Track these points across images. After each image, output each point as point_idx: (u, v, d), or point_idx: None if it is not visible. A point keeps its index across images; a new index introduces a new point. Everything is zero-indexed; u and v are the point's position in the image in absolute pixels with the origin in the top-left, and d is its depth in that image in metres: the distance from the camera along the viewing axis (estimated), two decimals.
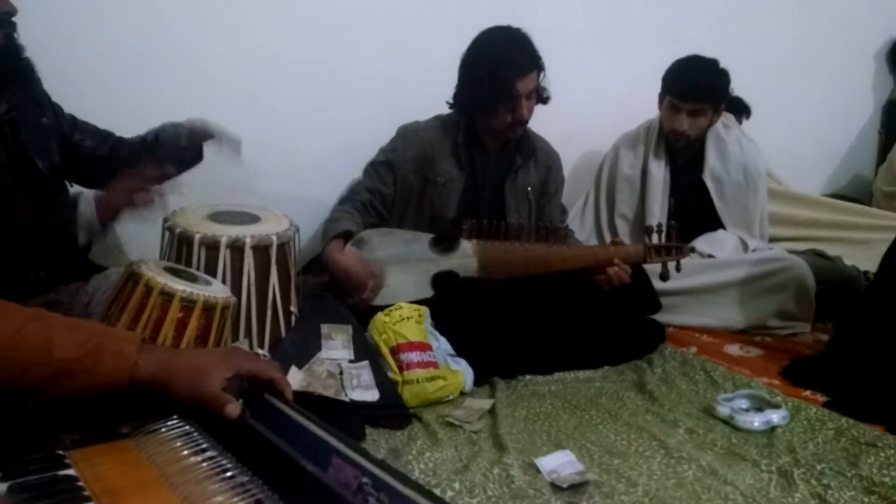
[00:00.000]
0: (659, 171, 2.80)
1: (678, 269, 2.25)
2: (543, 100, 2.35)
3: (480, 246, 2.21)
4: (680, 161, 2.82)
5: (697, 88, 2.62)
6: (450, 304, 2.12)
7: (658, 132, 2.82)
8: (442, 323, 2.09)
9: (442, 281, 2.20)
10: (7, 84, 1.71)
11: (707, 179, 2.79)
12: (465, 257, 2.21)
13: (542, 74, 2.29)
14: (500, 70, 2.20)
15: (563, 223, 2.57)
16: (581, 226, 2.94)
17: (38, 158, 1.76)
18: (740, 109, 2.95)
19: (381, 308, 2.04)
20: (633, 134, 2.92)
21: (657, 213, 2.77)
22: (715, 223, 2.81)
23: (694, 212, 2.78)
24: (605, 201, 2.94)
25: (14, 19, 1.67)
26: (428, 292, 2.18)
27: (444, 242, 2.23)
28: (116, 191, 1.66)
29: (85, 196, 1.67)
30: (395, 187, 2.34)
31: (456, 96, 2.35)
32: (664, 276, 2.24)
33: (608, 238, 2.87)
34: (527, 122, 2.30)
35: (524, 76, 2.20)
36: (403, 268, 2.20)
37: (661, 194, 2.79)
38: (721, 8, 3.32)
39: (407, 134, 2.36)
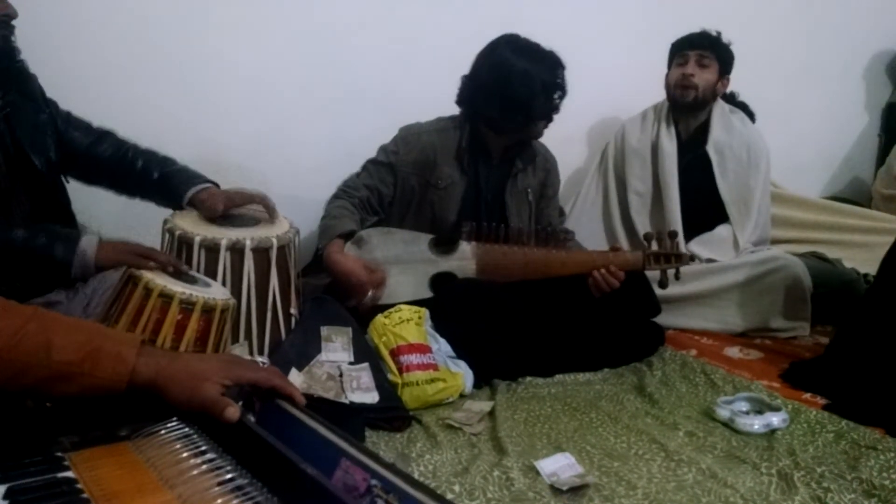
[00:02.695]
0: (671, 145, 2.82)
1: (677, 276, 2.25)
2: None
3: (479, 248, 2.22)
4: (685, 135, 2.84)
5: (703, 36, 2.74)
6: (450, 305, 2.12)
7: (667, 108, 2.85)
8: (442, 324, 2.09)
9: (440, 282, 2.20)
10: (2, 84, 1.72)
11: (710, 151, 2.80)
12: (464, 259, 2.21)
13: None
14: (516, 107, 2.23)
15: (562, 223, 2.58)
16: (574, 209, 2.97)
17: (34, 155, 1.77)
18: (745, 115, 2.96)
19: (381, 309, 2.04)
20: (640, 114, 2.95)
21: (673, 185, 2.78)
22: (716, 201, 2.79)
23: (696, 188, 2.79)
24: (613, 179, 2.95)
25: (13, 23, 1.68)
26: (426, 293, 2.18)
27: (444, 244, 2.23)
28: (123, 253, 1.65)
29: (89, 237, 1.68)
30: (395, 188, 2.33)
31: (464, 101, 2.35)
32: (663, 284, 2.24)
33: (616, 216, 2.90)
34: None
35: (538, 122, 2.28)
36: (402, 268, 2.20)
37: (674, 168, 2.81)
38: (721, 12, 3.32)
39: (409, 136, 2.35)
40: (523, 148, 2.40)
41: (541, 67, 2.23)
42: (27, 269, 1.64)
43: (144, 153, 1.98)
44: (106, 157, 1.94)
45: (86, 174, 1.97)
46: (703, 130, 2.82)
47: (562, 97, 2.29)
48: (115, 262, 1.65)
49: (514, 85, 2.20)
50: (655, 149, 2.85)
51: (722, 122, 2.82)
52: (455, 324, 2.09)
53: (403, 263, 2.20)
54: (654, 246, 2.24)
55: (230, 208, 1.94)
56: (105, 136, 1.97)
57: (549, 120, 2.31)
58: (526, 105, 2.22)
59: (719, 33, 2.75)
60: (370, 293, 2.11)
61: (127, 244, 1.69)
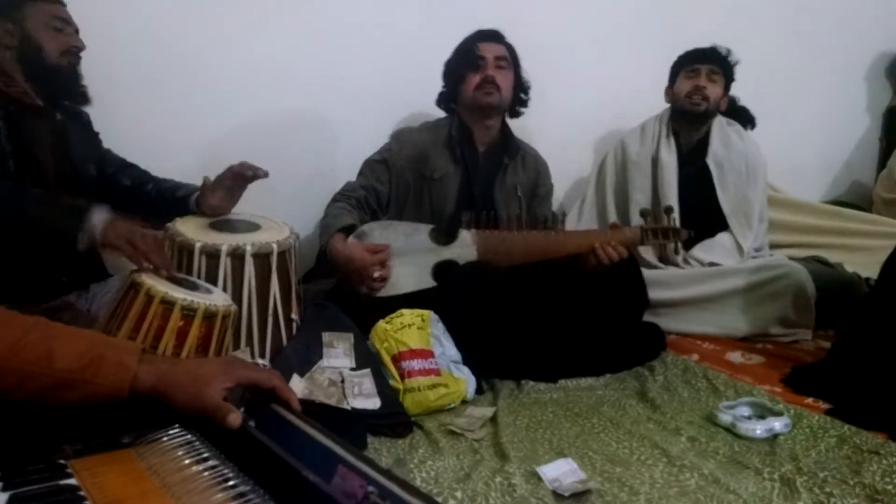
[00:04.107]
0: (671, 157, 2.83)
1: (676, 251, 2.25)
2: (524, 88, 2.44)
3: (480, 235, 2.24)
4: (685, 147, 2.85)
5: (714, 51, 2.78)
6: (454, 292, 2.12)
7: (668, 120, 2.86)
8: (446, 313, 2.08)
9: (443, 270, 2.20)
10: (63, 101, 1.97)
11: (710, 163, 2.81)
12: (465, 247, 2.22)
13: (518, 70, 2.40)
14: (465, 40, 2.38)
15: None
16: (579, 221, 2.97)
17: (80, 165, 1.95)
18: (745, 120, 2.97)
19: (384, 308, 2.04)
20: (639, 126, 2.95)
21: (672, 197, 2.80)
22: (716, 212, 2.80)
23: (696, 200, 2.80)
24: (612, 191, 2.96)
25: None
26: (429, 282, 2.19)
27: (444, 233, 2.26)
28: (125, 239, 1.69)
29: (99, 212, 1.72)
30: (391, 185, 2.38)
31: (440, 93, 2.47)
32: (663, 259, 2.24)
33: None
34: (498, 85, 2.34)
35: (486, 42, 2.36)
36: (405, 259, 2.21)
37: (674, 179, 2.82)
38: (720, 16, 3.34)
39: (402, 136, 2.43)
40: (506, 141, 2.45)
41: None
42: (35, 235, 1.69)
43: (160, 182, 2.11)
44: (126, 187, 2.08)
45: (114, 204, 2.01)
46: (703, 143, 2.84)
47: (511, 53, 2.40)
48: (116, 244, 1.69)
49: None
50: (655, 161, 2.85)
51: (720, 136, 2.83)
52: (459, 312, 2.09)
53: (405, 254, 2.21)
54: (651, 222, 2.25)
55: (229, 196, 2.03)
56: (129, 167, 2.11)
57: (508, 46, 2.38)
58: (476, 32, 2.39)
59: (729, 51, 2.78)
60: (376, 274, 2.11)
61: (133, 229, 1.71)
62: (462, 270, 2.19)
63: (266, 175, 2.00)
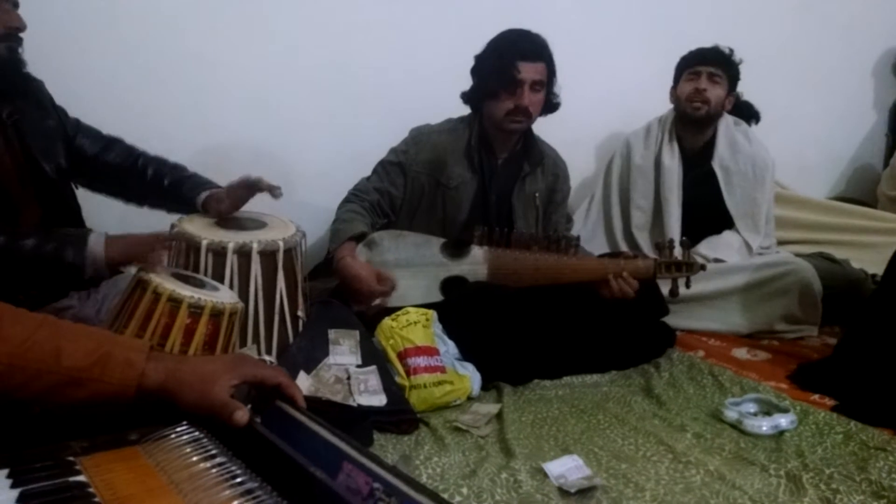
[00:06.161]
0: (673, 162, 2.82)
1: (688, 285, 2.24)
2: (552, 106, 2.36)
3: (491, 253, 2.22)
4: (690, 151, 2.84)
5: (716, 51, 2.75)
6: (461, 309, 2.12)
7: (671, 123, 2.85)
8: (451, 328, 2.09)
9: (451, 286, 2.20)
10: (8, 93, 1.72)
11: (716, 167, 2.80)
12: (476, 264, 2.21)
13: (553, 79, 2.32)
14: (505, 52, 2.25)
15: (568, 231, 2.57)
16: (587, 221, 2.97)
17: (44, 161, 1.76)
18: (749, 115, 2.96)
19: (389, 312, 2.05)
20: (644, 128, 2.94)
21: (674, 202, 2.79)
22: (722, 215, 2.79)
23: (702, 203, 2.79)
24: (616, 193, 2.95)
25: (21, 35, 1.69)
26: (437, 296, 2.18)
27: (455, 247, 2.23)
28: (132, 246, 1.65)
29: (96, 234, 1.68)
30: (405, 189, 2.34)
31: (466, 91, 2.38)
32: (674, 293, 2.23)
33: (619, 230, 2.90)
34: (529, 113, 2.27)
35: (528, 61, 2.23)
36: (413, 271, 2.20)
37: (675, 184, 2.81)
38: (725, 13, 3.32)
39: (420, 137, 2.37)
40: (528, 148, 2.40)
41: (520, 31, 2.29)
42: (41, 276, 1.64)
43: (154, 160, 1.99)
44: (115, 165, 1.95)
45: (93, 182, 1.98)
46: (709, 145, 2.82)
47: (550, 66, 2.29)
48: (125, 258, 1.65)
49: (493, 42, 2.31)
50: (658, 164, 2.85)
51: (727, 139, 2.81)
52: (464, 328, 2.09)
53: (414, 267, 2.21)
54: (666, 254, 2.23)
55: (235, 203, 1.95)
56: (114, 143, 1.97)
57: (547, 62, 2.27)
58: (517, 41, 2.26)
59: (731, 50, 2.75)
60: (376, 301, 2.11)
61: (134, 236, 1.68)
62: (469, 289, 2.18)
63: (279, 195, 1.92)
